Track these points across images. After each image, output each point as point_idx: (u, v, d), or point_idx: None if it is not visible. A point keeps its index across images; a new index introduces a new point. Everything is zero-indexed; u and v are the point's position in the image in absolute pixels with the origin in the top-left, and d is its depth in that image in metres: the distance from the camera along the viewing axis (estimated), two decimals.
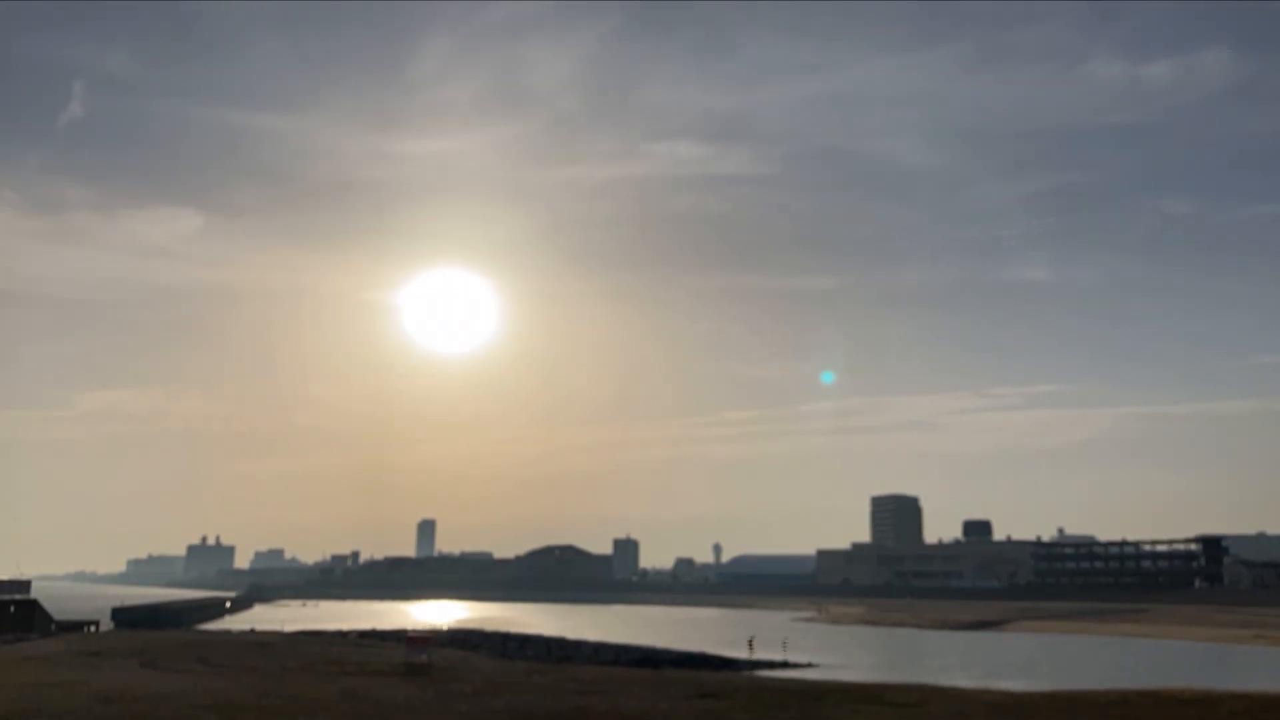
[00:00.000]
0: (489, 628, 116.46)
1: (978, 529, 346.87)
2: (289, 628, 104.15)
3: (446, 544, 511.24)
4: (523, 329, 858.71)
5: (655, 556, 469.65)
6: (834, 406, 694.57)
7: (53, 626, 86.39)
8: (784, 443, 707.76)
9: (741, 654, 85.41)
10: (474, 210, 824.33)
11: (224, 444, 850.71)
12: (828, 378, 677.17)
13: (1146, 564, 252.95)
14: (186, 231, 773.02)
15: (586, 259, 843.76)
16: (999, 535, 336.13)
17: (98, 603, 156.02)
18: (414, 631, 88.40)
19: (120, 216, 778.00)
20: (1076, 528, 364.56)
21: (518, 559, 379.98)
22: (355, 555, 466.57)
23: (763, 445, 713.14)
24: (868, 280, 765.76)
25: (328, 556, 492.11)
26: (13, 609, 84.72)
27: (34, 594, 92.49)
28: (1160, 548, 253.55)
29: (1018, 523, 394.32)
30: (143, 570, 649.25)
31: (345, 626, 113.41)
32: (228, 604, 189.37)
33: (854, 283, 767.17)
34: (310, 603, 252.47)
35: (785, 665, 77.52)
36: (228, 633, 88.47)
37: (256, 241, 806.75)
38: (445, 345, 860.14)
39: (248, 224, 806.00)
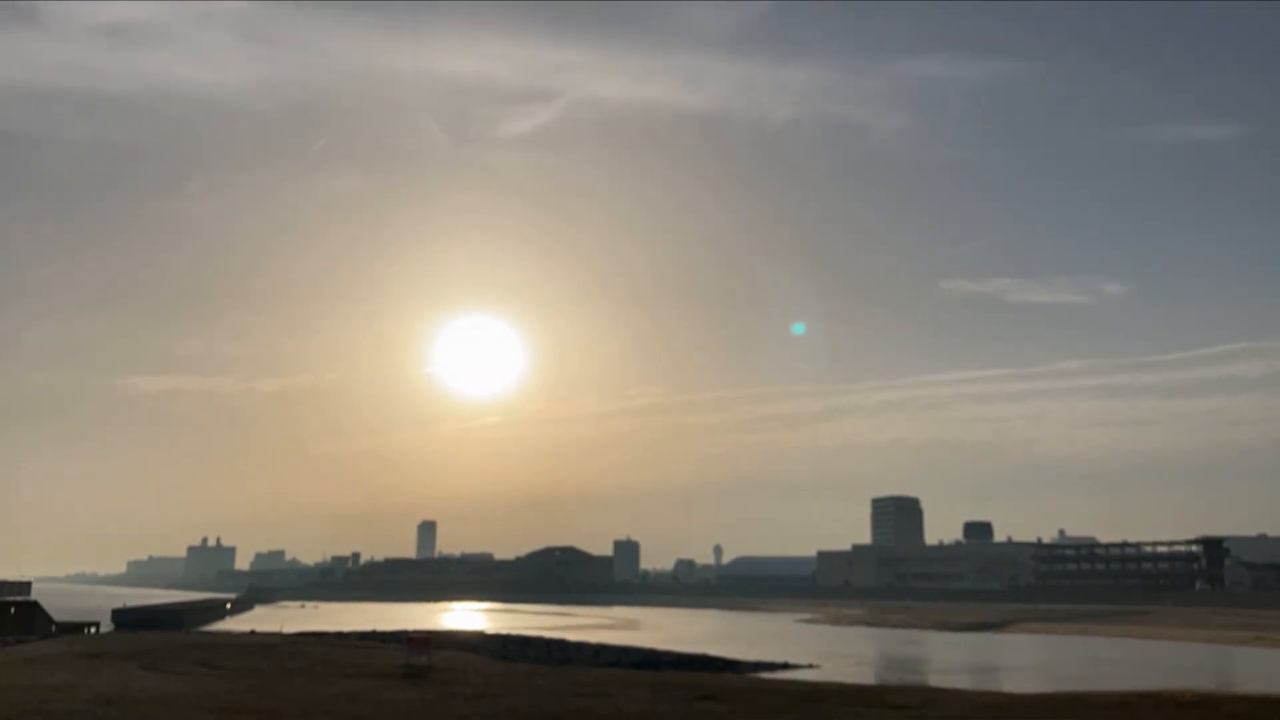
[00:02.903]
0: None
1: (978, 530, 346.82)
2: (289, 629, 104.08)
3: (447, 545, 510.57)
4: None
5: (656, 558, 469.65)
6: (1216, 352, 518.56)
7: (53, 628, 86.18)
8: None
9: (743, 655, 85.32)
10: None
11: (225, 434, 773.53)
12: (798, 329, 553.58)
13: (1147, 565, 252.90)
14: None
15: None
16: (999, 536, 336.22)
17: (98, 604, 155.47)
18: (414, 633, 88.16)
19: None
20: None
21: (518, 560, 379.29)
22: (355, 556, 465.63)
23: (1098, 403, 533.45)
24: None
25: (328, 558, 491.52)
26: (13, 610, 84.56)
27: (34, 595, 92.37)
28: (1161, 549, 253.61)
29: (1017, 525, 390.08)
30: (143, 571, 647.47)
31: (346, 628, 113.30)
32: (228, 605, 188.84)
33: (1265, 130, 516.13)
34: (310, 604, 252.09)
35: (786, 667, 77.39)
36: (228, 634, 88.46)
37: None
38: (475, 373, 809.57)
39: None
